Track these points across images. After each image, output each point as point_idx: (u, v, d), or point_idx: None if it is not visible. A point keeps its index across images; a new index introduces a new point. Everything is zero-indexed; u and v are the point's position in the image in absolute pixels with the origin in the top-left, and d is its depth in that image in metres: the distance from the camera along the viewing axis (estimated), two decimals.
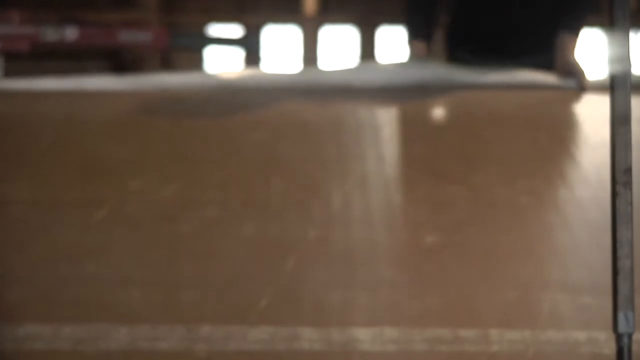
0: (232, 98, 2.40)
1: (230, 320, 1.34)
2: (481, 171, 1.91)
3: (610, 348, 1.15)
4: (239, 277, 1.51)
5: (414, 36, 2.91)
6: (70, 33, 3.78)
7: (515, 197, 1.77)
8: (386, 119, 2.32)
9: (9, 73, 3.78)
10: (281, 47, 20.70)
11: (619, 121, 1.10)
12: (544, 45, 2.85)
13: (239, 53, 18.48)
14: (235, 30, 20.52)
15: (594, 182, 1.88)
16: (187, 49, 4.04)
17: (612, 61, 1.10)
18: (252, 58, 19.61)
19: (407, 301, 1.41)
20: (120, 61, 20.53)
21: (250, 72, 2.76)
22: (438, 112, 2.40)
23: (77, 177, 1.90)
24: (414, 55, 2.85)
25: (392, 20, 21.04)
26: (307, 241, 1.56)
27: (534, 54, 2.87)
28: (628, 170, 1.09)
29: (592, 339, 1.28)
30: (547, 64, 2.81)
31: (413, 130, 2.26)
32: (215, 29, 20.76)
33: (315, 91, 2.41)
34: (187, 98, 2.41)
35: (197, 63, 20.94)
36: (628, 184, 1.09)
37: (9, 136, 2.14)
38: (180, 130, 2.16)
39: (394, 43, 20.98)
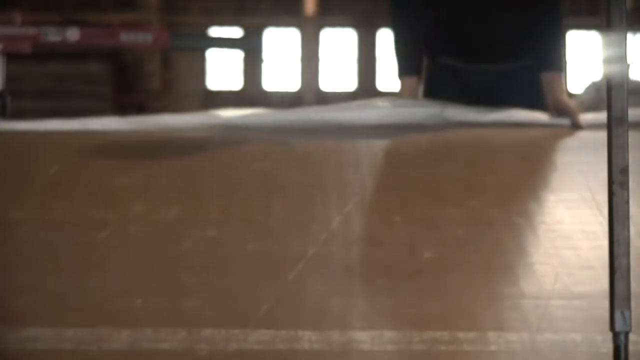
0: (233, 134, 2.46)
1: (231, 325, 1.35)
2: (478, 196, 1.98)
3: (607, 347, 1.16)
4: (239, 286, 1.53)
5: (403, 71, 2.94)
6: (72, 34, 3.79)
7: (510, 218, 1.81)
8: (385, 151, 2.39)
9: (11, 74, 3.79)
10: (281, 49, 20.72)
11: (616, 122, 1.11)
12: (525, 49, 2.89)
13: (240, 54, 18.50)
14: (235, 32, 20.54)
15: (583, 202, 1.90)
16: (187, 49, 4.05)
17: (609, 62, 1.11)
18: (253, 59, 19.63)
19: (405, 307, 1.42)
20: (121, 62, 20.57)
21: (252, 112, 2.82)
22: (435, 145, 2.46)
23: (82, 202, 1.94)
24: (405, 90, 2.89)
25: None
26: (307, 257, 1.58)
27: (515, 57, 2.92)
28: (624, 170, 1.10)
29: (589, 340, 1.29)
30: (529, 68, 2.87)
31: (411, 160, 2.31)
32: (215, 32, 20.72)
33: (314, 129, 2.46)
34: (190, 135, 2.47)
35: (197, 63, 20.97)
36: (624, 184, 1.10)
37: (17, 167, 2.21)
38: (182, 162, 2.23)
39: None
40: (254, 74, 20.79)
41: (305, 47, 20.75)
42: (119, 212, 1.83)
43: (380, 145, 2.41)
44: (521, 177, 2.15)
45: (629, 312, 1.07)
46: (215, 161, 2.24)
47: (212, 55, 20.27)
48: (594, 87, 10.71)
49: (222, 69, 21.15)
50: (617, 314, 1.08)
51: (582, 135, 2.52)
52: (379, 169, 2.18)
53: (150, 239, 1.72)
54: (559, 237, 1.73)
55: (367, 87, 20.98)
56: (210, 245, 1.68)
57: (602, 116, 2.53)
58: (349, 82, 21.05)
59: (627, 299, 1.07)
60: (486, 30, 2.91)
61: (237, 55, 19.57)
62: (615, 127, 1.11)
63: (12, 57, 3.76)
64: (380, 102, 2.75)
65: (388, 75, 20.96)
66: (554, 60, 2.84)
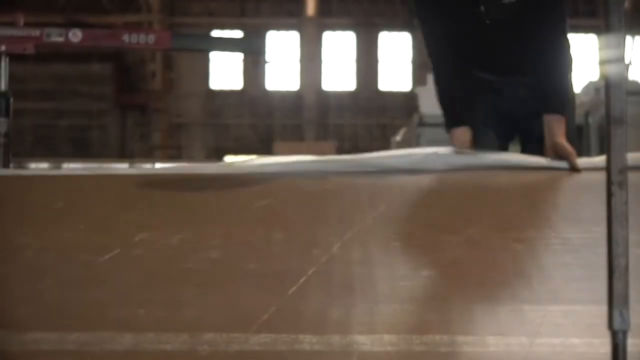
0: (238, 176, 2.52)
1: (232, 329, 1.36)
2: (476, 225, 2.05)
3: (605, 348, 1.17)
4: (240, 297, 1.54)
5: (453, 125, 3.00)
6: (74, 35, 3.79)
7: (509, 244, 1.85)
8: (387, 188, 2.44)
9: (14, 74, 3.80)
10: (282, 49, 20.72)
11: (615, 122, 1.12)
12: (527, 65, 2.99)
13: (242, 55, 18.50)
14: (236, 34, 20.53)
15: (579, 229, 1.95)
16: (190, 50, 4.05)
17: (608, 63, 1.12)
18: (254, 59, 19.63)
19: (406, 314, 1.44)
20: (123, 63, 20.58)
21: (260, 159, 2.87)
22: (438, 185, 2.57)
23: (86, 231, 1.97)
24: (459, 140, 2.93)
25: (392, 24, 21.07)
26: (308, 275, 1.60)
27: (518, 72, 3.04)
28: (623, 170, 1.11)
29: (587, 342, 1.30)
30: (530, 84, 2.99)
31: (411, 195, 2.41)
32: (217, 34, 20.69)
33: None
34: (194, 177, 2.53)
35: (199, 63, 20.97)
36: (623, 184, 1.10)
37: (25, 203, 2.28)
38: (187, 197, 2.28)
39: (393, 47, 21.01)
40: (255, 73, 20.80)
41: (305, 47, 20.76)
42: (122, 239, 1.86)
43: (383, 183, 2.49)
44: (520, 211, 2.22)
45: (627, 311, 1.08)
46: (220, 196, 2.30)
47: (213, 56, 20.27)
48: (593, 86, 10.71)
49: (223, 69, 21.15)
50: (616, 313, 1.08)
51: (580, 177, 2.61)
52: (379, 204, 2.19)
53: (153, 259, 1.75)
54: (557, 257, 1.75)
55: (367, 87, 21.00)
56: (212, 264, 1.71)
57: (597, 160, 2.67)
58: (349, 82, 21.07)
59: (626, 298, 1.08)
60: (506, 60, 3.04)
61: (237, 55, 19.56)
62: (614, 127, 1.12)
63: (15, 58, 3.76)
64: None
65: (387, 75, 21.00)
66: (556, 103, 2.91)
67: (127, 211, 2.16)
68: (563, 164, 2.69)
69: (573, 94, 3.03)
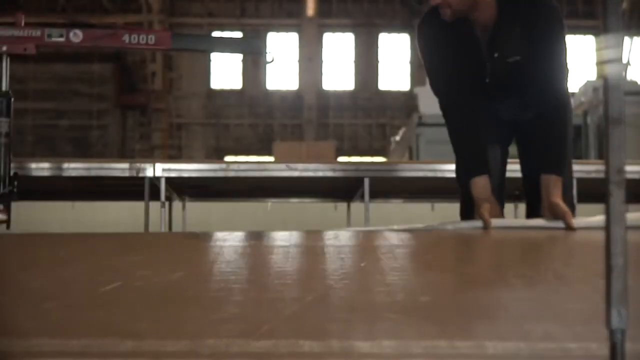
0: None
1: (233, 337, 1.40)
2: (474, 265, 2.13)
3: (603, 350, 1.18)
4: (241, 315, 1.59)
5: (476, 173, 3.07)
6: (75, 35, 3.80)
7: (508, 279, 1.90)
8: (387, 243, 2.54)
9: (15, 75, 3.81)
10: (282, 49, 20.73)
11: (613, 123, 1.13)
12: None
13: (242, 56, 18.50)
14: (236, 34, 20.54)
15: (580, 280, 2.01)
16: (190, 51, 4.06)
17: (606, 64, 1.13)
18: (254, 59, 19.64)
19: (404, 325, 1.46)
20: (123, 63, 20.59)
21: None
22: (435, 239, 2.73)
23: (88, 272, 2.06)
24: (480, 188, 3.04)
25: (392, 25, 21.08)
26: (306, 299, 1.64)
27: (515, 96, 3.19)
28: (621, 170, 1.11)
29: (585, 347, 1.31)
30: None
31: (414, 247, 2.54)
32: (217, 34, 20.71)
33: None
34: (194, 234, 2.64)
35: (199, 64, 20.99)
36: (621, 184, 1.11)
37: (28, 253, 2.42)
38: (185, 247, 2.41)
39: (393, 48, 21.03)
40: (255, 73, 20.81)
41: (305, 48, 20.77)
42: (123, 277, 1.94)
43: (381, 239, 2.64)
44: (516, 257, 2.31)
45: (625, 309, 1.09)
46: (220, 248, 2.43)
47: (214, 56, 20.29)
48: (591, 86, 10.74)
49: (223, 69, 21.16)
50: (614, 312, 1.09)
51: (575, 235, 2.74)
52: (379, 256, 2.28)
53: (154, 289, 1.82)
54: (555, 290, 1.79)
55: (366, 87, 21.00)
56: (213, 292, 1.77)
57: (592, 220, 2.80)
58: (349, 82, 21.08)
59: (624, 296, 1.09)
60: (508, 94, 3.21)
61: (237, 56, 19.58)
62: (612, 127, 1.13)
63: (16, 58, 3.77)
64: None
65: (387, 75, 21.01)
66: (554, 163, 3.01)
67: (128, 254, 2.28)
68: (560, 224, 2.84)
69: (571, 150, 3.13)
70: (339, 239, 2.62)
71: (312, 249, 2.49)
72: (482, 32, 3.05)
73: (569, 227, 2.79)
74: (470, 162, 3.10)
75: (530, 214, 3.20)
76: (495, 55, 3.06)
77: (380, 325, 1.41)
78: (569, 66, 3.05)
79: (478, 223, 2.91)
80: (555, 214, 2.87)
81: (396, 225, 2.93)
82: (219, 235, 2.75)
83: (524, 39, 3.02)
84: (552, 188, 2.95)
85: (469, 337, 1.31)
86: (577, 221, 2.84)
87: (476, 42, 3.06)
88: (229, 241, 2.61)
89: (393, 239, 2.62)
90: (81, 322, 1.47)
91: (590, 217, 2.87)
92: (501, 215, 3.07)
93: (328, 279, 1.91)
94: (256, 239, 2.70)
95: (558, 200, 2.90)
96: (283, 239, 2.71)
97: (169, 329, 1.43)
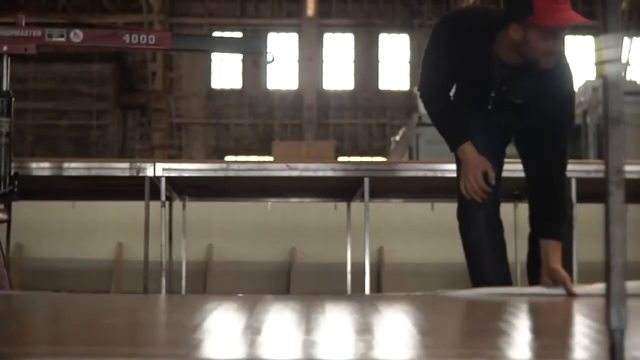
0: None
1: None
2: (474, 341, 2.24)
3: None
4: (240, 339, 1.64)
5: (463, 139, 3.23)
6: (76, 35, 3.81)
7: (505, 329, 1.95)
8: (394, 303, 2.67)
9: (16, 75, 3.82)
10: (282, 49, 20.71)
11: (612, 122, 1.13)
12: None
13: (242, 56, 18.47)
14: (236, 34, 20.53)
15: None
16: (190, 51, 4.06)
17: (606, 64, 1.13)
18: (254, 59, 19.64)
19: (403, 346, 1.48)
20: (124, 63, 20.59)
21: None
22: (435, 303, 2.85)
23: (75, 333, 2.12)
24: (470, 152, 3.20)
25: (391, 26, 21.07)
26: (303, 341, 1.67)
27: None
28: (621, 170, 1.11)
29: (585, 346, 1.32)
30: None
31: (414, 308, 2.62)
32: (217, 34, 20.68)
33: None
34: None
35: (200, 63, 20.99)
36: (621, 183, 1.11)
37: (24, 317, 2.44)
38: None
39: (392, 48, 21.02)
40: (255, 73, 20.80)
41: (305, 48, 20.76)
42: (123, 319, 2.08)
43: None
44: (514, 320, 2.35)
45: (624, 309, 1.09)
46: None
47: (214, 56, 20.28)
48: (591, 86, 10.73)
49: (223, 69, 21.15)
50: (613, 312, 1.09)
51: (576, 301, 2.80)
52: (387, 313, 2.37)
53: (154, 320, 1.98)
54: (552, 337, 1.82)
55: (366, 87, 20.99)
56: (214, 321, 1.88)
57: (592, 287, 2.88)
58: (349, 82, 21.07)
59: (623, 296, 1.09)
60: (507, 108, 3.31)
61: (237, 56, 19.57)
62: (612, 127, 1.13)
63: (16, 58, 3.77)
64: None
65: (387, 75, 21.01)
66: (554, 230, 3.10)
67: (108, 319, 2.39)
68: (560, 290, 2.93)
69: (571, 215, 3.27)
70: None
71: None
72: (499, 66, 3.16)
73: (570, 293, 2.89)
74: (455, 130, 3.27)
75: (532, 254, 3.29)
76: (503, 88, 3.19)
77: None
78: (572, 128, 3.20)
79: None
80: (555, 280, 2.97)
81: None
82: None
83: (534, 90, 3.14)
84: (552, 254, 3.03)
85: None
86: (577, 288, 2.93)
87: (486, 64, 3.15)
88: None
89: None
90: (79, 337, 1.50)
91: (589, 285, 2.95)
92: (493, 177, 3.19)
93: None
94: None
95: (558, 266, 3.00)
96: None
97: None
